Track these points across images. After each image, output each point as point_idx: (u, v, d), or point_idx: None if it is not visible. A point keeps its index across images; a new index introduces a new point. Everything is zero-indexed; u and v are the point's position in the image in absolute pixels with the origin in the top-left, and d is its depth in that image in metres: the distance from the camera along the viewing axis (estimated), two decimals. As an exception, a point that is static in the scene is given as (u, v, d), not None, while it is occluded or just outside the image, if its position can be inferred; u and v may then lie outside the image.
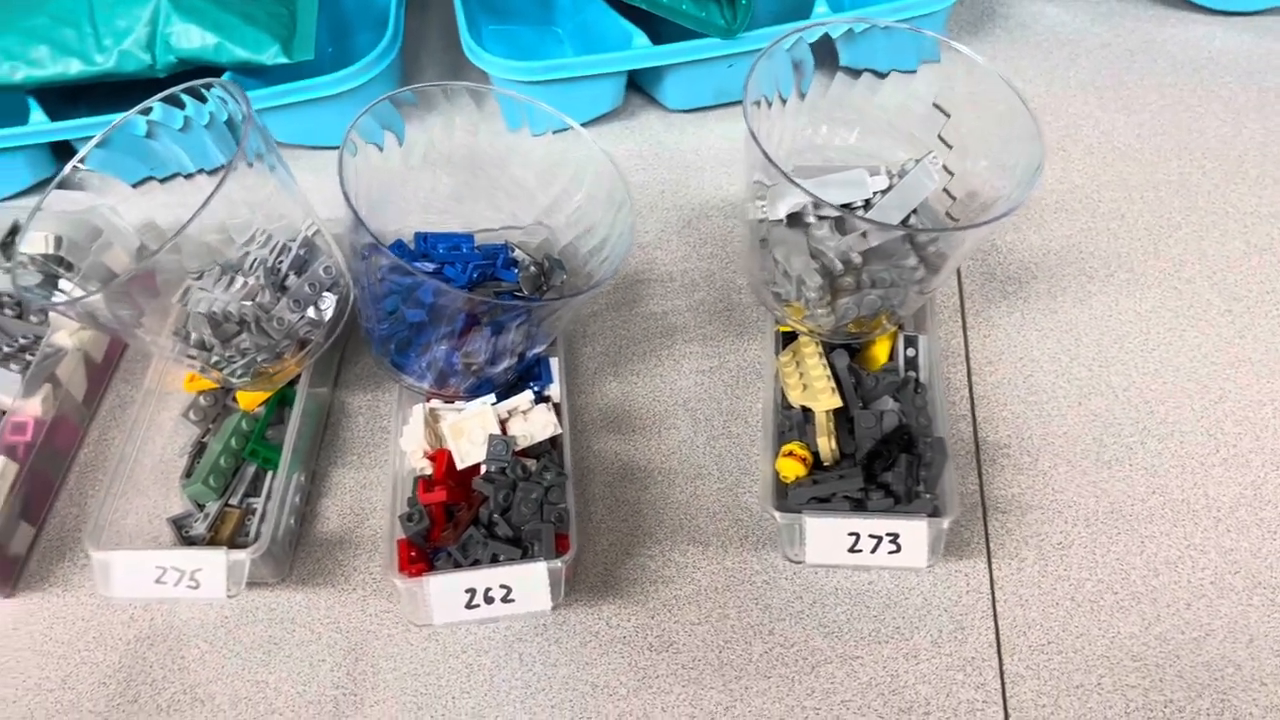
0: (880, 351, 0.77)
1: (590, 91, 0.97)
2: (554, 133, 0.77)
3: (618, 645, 0.70)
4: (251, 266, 0.73)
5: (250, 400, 0.79)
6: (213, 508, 0.75)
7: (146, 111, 0.76)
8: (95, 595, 0.75)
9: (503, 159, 0.80)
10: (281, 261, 0.75)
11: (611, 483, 0.78)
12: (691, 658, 0.69)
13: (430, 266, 0.76)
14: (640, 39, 0.93)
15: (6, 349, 0.77)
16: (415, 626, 0.71)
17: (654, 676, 0.69)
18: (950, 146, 0.77)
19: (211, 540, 0.74)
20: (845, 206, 0.72)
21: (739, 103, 1.02)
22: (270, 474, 0.77)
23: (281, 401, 0.80)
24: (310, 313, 0.75)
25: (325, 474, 0.80)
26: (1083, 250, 0.89)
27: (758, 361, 0.84)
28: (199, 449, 0.79)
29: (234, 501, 0.76)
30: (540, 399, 0.75)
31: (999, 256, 0.89)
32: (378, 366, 0.79)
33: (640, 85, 1.02)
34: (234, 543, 0.74)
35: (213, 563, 0.68)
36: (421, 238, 0.78)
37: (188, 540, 0.75)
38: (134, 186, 0.78)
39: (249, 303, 0.72)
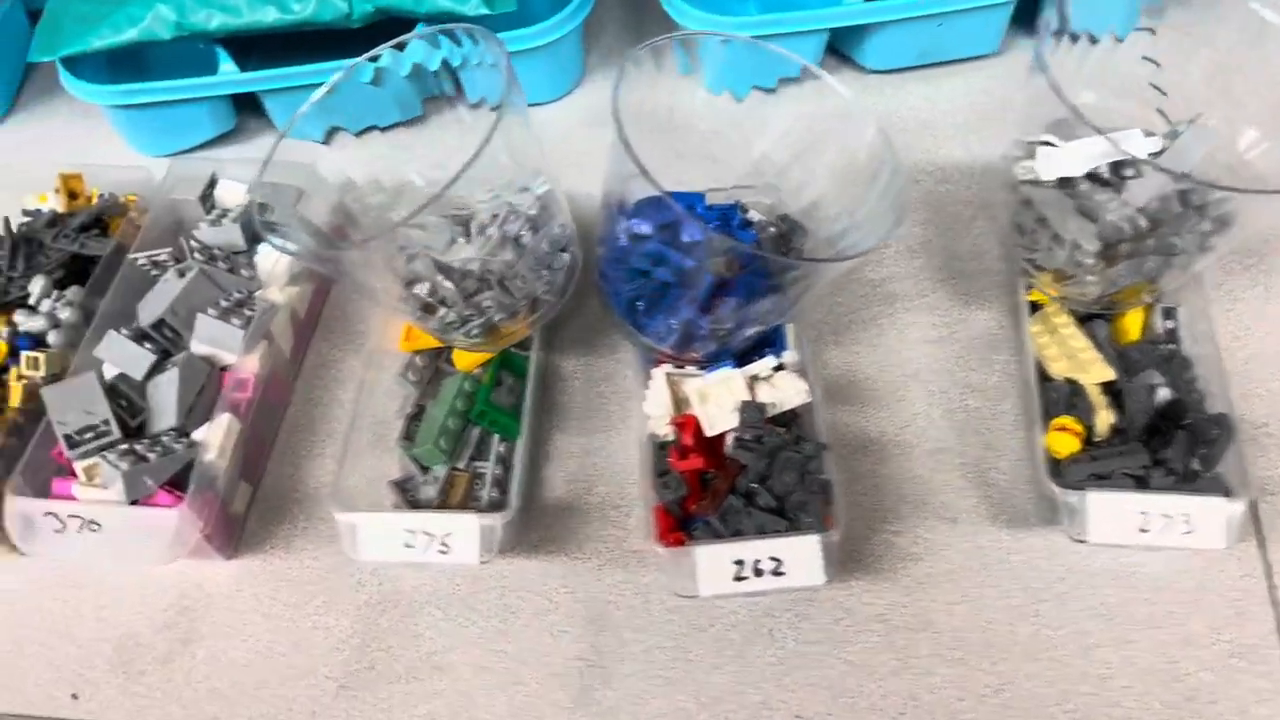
0: (1132, 323, 0.74)
1: (790, 49, 0.93)
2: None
3: (873, 624, 0.67)
4: (494, 221, 0.70)
5: (467, 361, 0.77)
6: (441, 471, 0.72)
7: (375, 58, 0.73)
8: (319, 558, 0.73)
9: (738, 117, 0.76)
10: (513, 219, 0.71)
11: (846, 455, 0.75)
12: (953, 638, 0.66)
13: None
14: (853, -7, 0.89)
15: (224, 304, 0.75)
16: (671, 597, 0.69)
17: (915, 657, 0.66)
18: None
19: (441, 505, 0.71)
20: (1117, 168, 0.68)
21: (941, 64, 0.99)
22: (496, 438, 0.74)
23: (501, 364, 0.77)
24: (546, 272, 0.72)
25: (546, 438, 0.77)
26: (1324, 222, 0.85)
27: (988, 331, 0.80)
28: (417, 410, 0.76)
29: (459, 465, 0.73)
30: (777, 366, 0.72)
31: (1234, 227, 0.85)
32: (618, 328, 0.76)
33: (835, 44, 0.98)
34: (464, 507, 0.71)
35: (465, 527, 0.65)
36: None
37: (413, 504, 0.72)
38: (356, 135, 0.75)
39: (494, 259, 0.69)
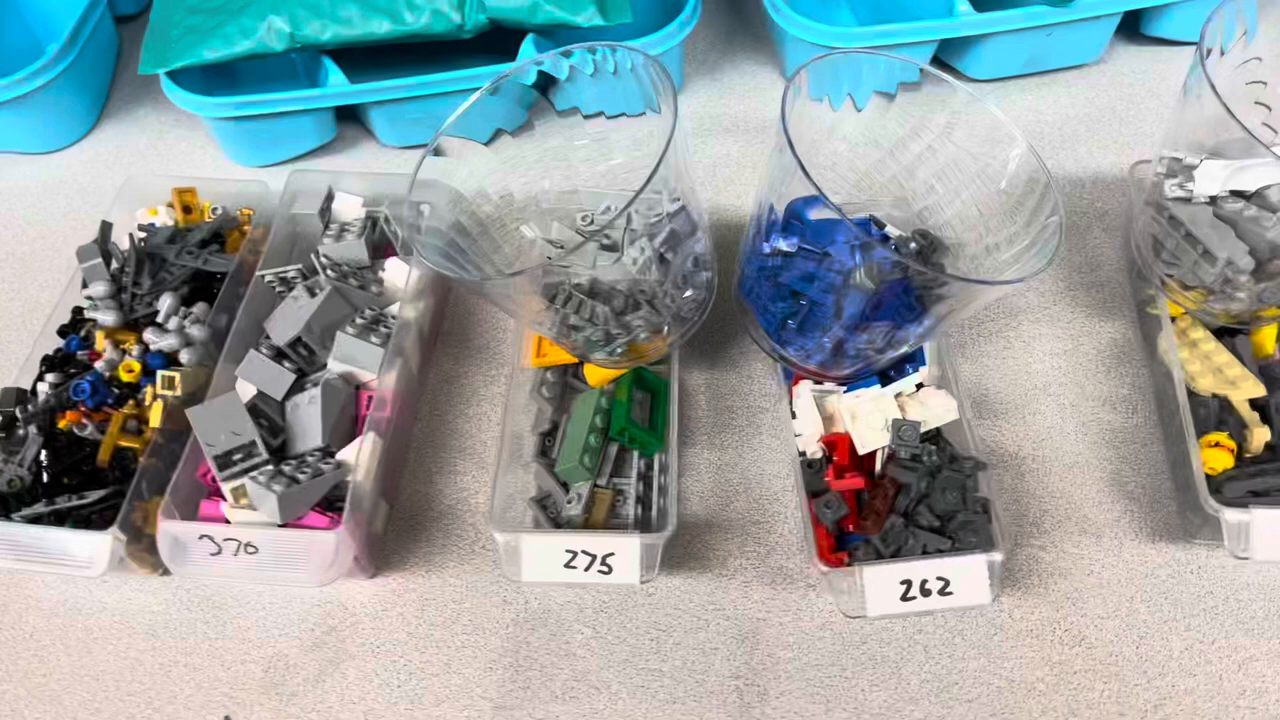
0: (1268, 337, 0.74)
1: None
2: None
3: (1026, 639, 0.68)
4: (644, 238, 0.69)
5: (598, 377, 0.76)
6: (584, 489, 0.72)
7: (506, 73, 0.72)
8: (460, 576, 0.73)
9: (873, 132, 0.76)
10: (659, 234, 0.71)
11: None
12: (1107, 653, 0.67)
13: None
14: (964, 5, 0.89)
15: (360, 321, 0.74)
16: (821, 614, 0.69)
17: (1071, 672, 0.66)
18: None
19: (585, 522, 0.71)
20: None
21: (1046, 72, 0.99)
22: (636, 454, 0.74)
23: (634, 380, 0.77)
24: (688, 291, 0.71)
25: (678, 454, 0.77)
26: None
27: (1114, 344, 0.81)
28: (551, 427, 0.76)
29: (600, 482, 0.73)
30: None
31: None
32: (753, 343, 0.76)
33: (938, 53, 0.98)
34: (608, 525, 0.71)
35: (626, 546, 0.65)
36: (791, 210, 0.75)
37: (554, 522, 0.72)
38: (486, 144, 0.75)
39: (645, 278, 0.68)
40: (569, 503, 0.72)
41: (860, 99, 0.73)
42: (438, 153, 0.71)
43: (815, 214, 0.64)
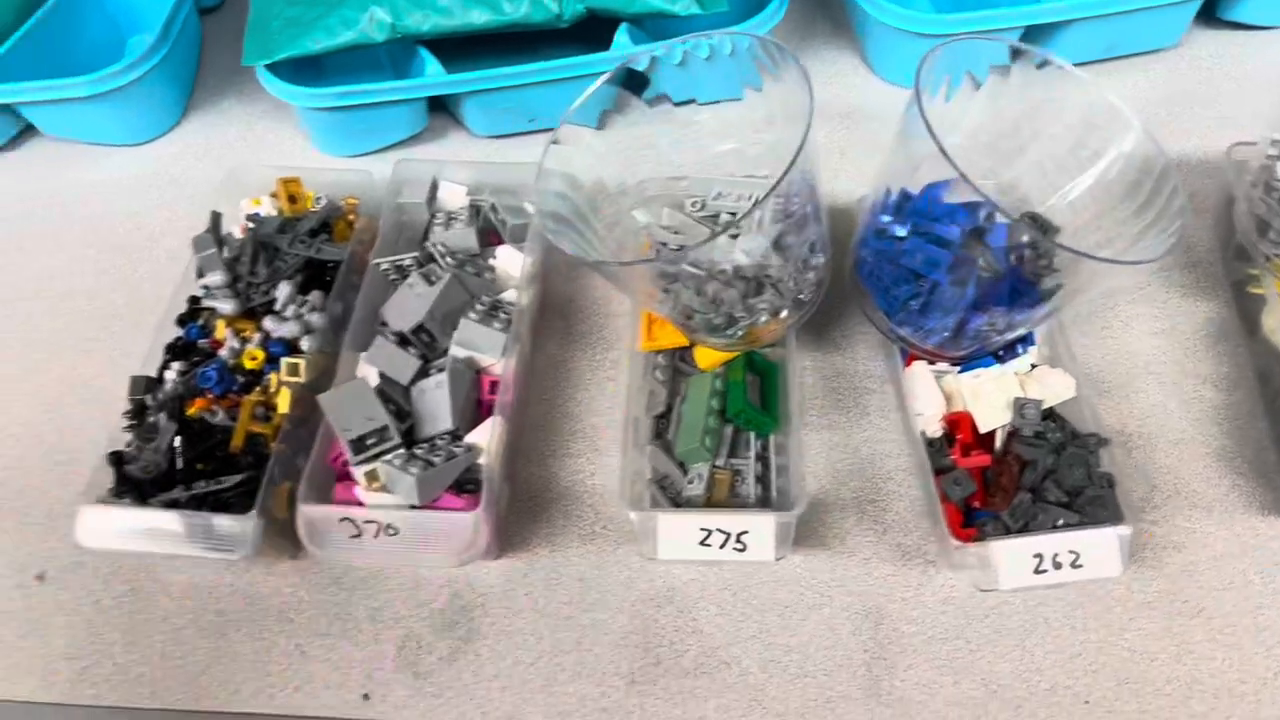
0: (1367, 315, 0.76)
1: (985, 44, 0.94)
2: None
3: (1144, 610, 0.69)
4: (771, 221, 0.71)
5: (709, 360, 0.78)
6: (704, 469, 0.73)
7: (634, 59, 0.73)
8: (585, 556, 0.74)
9: (979, 114, 0.77)
10: (781, 217, 0.72)
11: (1091, 446, 0.76)
12: (1225, 623, 0.69)
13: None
14: (1054, -11, 0.91)
15: (480, 307, 0.76)
16: (942, 589, 0.71)
17: (1191, 642, 0.68)
18: None
19: (707, 503, 0.73)
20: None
21: (1123, 57, 1.00)
22: (752, 435, 0.76)
23: (747, 363, 0.78)
24: (809, 274, 0.73)
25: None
26: None
27: (1209, 322, 0.83)
28: (665, 410, 0.78)
29: (718, 463, 0.75)
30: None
31: None
32: (874, 324, 0.77)
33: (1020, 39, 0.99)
34: (728, 504, 0.73)
35: (761, 525, 0.67)
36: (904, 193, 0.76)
37: (674, 502, 0.73)
38: (596, 129, 0.76)
39: (769, 262, 0.70)
40: (690, 483, 0.73)
41: (980, 82, 0.74)
42: (557, 141, 0.72)
43: (948, 196, 0.65)
